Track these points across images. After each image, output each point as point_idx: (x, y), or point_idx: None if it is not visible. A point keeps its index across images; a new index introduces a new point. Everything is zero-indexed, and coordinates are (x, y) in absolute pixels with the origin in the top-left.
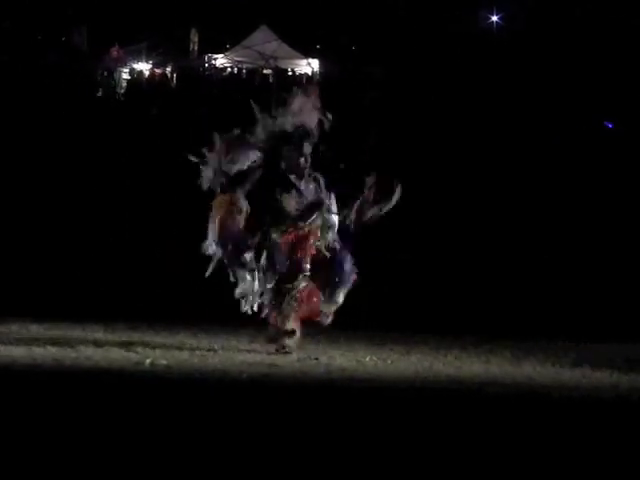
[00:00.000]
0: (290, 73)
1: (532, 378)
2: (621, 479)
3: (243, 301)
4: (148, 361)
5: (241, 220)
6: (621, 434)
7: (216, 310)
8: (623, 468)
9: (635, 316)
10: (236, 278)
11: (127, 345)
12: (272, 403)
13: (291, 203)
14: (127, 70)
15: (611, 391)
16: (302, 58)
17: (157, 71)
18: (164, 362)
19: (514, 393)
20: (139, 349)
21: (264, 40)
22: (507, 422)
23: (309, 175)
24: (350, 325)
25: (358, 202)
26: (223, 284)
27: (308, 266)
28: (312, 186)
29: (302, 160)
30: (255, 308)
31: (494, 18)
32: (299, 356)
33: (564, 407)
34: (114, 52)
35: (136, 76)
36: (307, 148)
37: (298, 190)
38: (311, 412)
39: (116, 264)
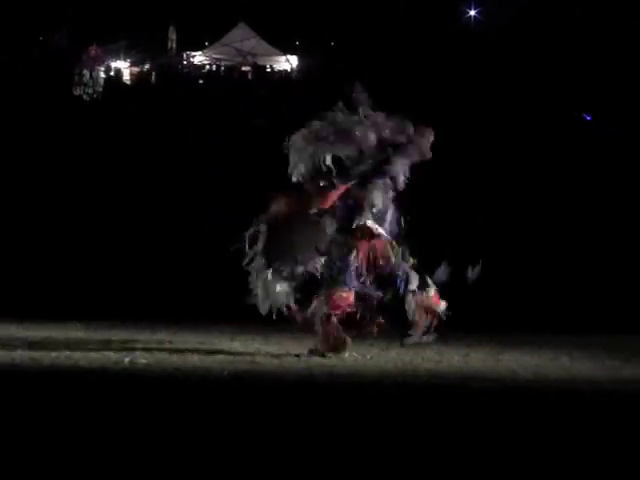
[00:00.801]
0: (269, 70)
1: (513, 371)
2: (606, 470)
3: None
4: (127, 360)
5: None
6: (604, 426)
7: (196, 308)
8: (607, 459)
9: (613, 308)
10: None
11: (107, 344)
12: (254, 400)
13: (378, 195)
14: (103, 69)
15: (592, 383)
16: (280, 55)
17: (135, 69)
18: (144, 360)
19: (498, 387)
20: (119, 348)
21: (242, 37)
22: (492, 416)
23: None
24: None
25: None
26: (205, 283)
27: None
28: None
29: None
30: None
31: (472, 12)
32: (280, 352)
33: (547, 400)
34: (92, 51)
35: (114, 74)
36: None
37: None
38: (292, 408)
39: (98, 264)
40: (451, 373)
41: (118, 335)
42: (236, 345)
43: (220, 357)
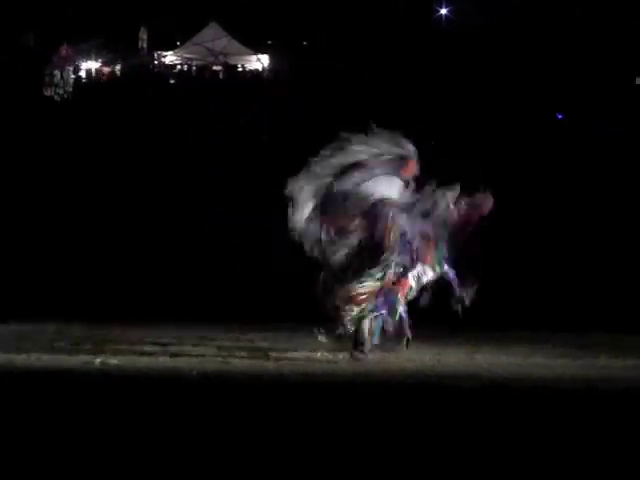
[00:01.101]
0: (240, 69)
1: (488, 369)
2: (579, 466)
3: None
4: (98, 361)
5: None
6: (578, 423)
7: (166, 307)
8: (580, 456)
9: (587, 304)
10: None
11: (77, 344)
12: (224, 400)
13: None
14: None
15: (571, 381)
16: (252, 54)
17: (106, 69)
18: (114, 361)
19: (472, 386)
20: (89, 348)
21: (214, 37)
22: (466, 413)
23: None
24: (301, 320)
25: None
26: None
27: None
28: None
29: None
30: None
31: (443, 11)
32: (251, 353)
33: (524, 397)
34: (63, 51)
35: (85, 74)
36: None
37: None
38: (262, 408)
39: (72, 263)
40: (425, 372)
41: (87, 335)
42: (205, 344)
43: (190, 357)
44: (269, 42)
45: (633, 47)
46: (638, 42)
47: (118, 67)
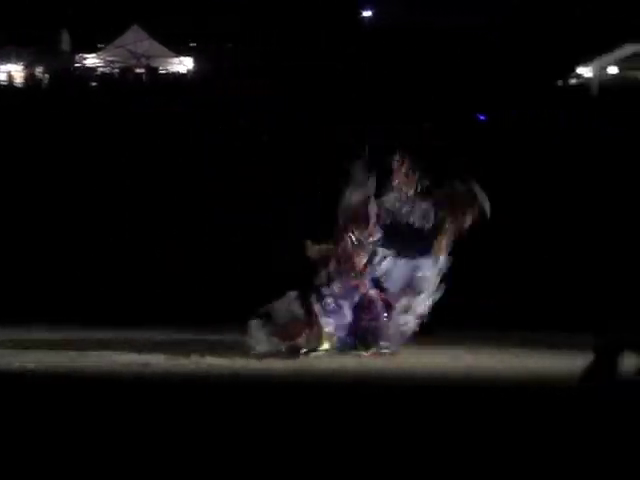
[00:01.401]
0: (163, 71)
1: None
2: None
3: None
4: (17, 364)
5: None
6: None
7: (107, 307)
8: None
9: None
10: None
11: (13, 347)
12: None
13: None
14: None
15: (489, 380)
16: (174, 56)
17: (27, 71)
18: (31, 365)
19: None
20: (20, 351)
21: (136, 39)
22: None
23: None
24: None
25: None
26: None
27: None
28: None
29: None
30: None
31: (366, 13)
32: (193, 356)
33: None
34: None
35: (6, 77)
36: None
37: None
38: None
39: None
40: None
41: (22, 338)
42: (149, 346)
43: (131, 358)
44: (191, 45)
45: (553, 52)
46: (556, 49)
47: (39, 69)
